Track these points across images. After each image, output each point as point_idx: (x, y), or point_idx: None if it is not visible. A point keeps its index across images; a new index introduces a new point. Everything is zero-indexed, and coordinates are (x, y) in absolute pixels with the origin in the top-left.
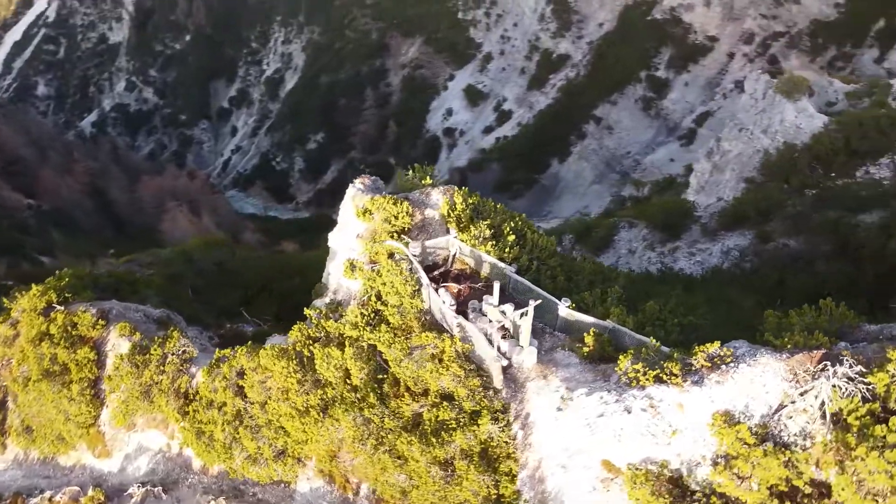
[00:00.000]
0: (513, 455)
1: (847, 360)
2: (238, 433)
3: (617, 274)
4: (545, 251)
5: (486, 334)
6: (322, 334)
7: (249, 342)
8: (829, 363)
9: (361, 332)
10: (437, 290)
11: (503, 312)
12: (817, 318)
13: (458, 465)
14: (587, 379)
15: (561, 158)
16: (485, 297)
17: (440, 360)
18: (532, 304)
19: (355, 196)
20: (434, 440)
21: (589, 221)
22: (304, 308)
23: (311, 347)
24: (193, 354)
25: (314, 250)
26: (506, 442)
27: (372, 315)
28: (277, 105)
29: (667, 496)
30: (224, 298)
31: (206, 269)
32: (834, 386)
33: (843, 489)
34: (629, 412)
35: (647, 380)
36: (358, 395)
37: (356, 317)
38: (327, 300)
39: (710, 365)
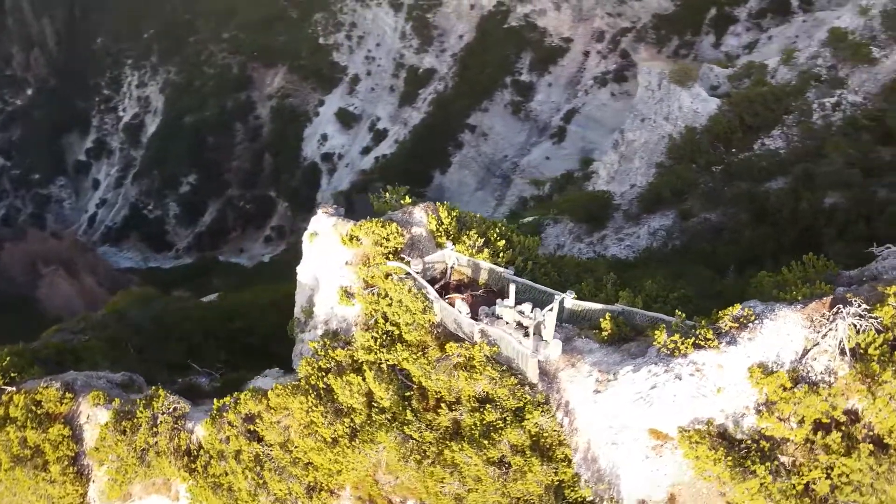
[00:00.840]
0: (564, 441)
1: (855, 301)
2: (262, 478)
3: (596, 263)
4: (532, 251)
5: (509, 335)
6: (332, 364)
7: (253, 387)
8: (840, 306)
9: (378, 354)
10: (451, 302)
11: (521, 312)
12: (806, 272)
13: (513, 460)
14: (615, 360)
15: (442, 170)
16: (497, 301)
17: (471, 367)
18: (557, 298)
19: (336, 224)
20: (485, 442)
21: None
22: (260, 349)
23: (325, 379)
24: (186, 410)
25: (242, 290)
26: (555, 430)
27: (384, 336)
28: (141, 151)
29: (721, 449)
30: (169, 353)
31: (143, 325)
32: (851, 324)
33: (879, 410)
34: (680, 378)
35: (686, 348)
36: (387, 416)
37: (368, 340)
38: (319, 332)
39: (737, 325)
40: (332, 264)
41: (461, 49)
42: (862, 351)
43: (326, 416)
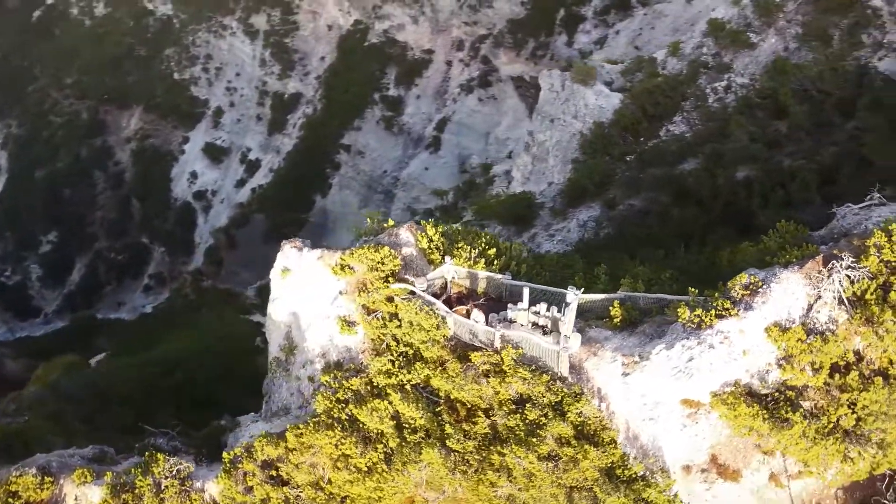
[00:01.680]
0: (606, 425)
1: (845, 255)
2: None
3: (572, 259)
4: (520, 254)
5: (532, 336)
6: (350, 395)
7: (266, 434)
8: (833, 262)
9: (399, 376)
10: (464, 313)
11: (536, 313)
12: (784, 237)
13: (563, 452)
14: (634, 343)
15: (323, 193)
16: (509, 305)
17: (500, 372)
18: (575, 295)
19: (323, 255)
20: (533, 440)
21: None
22: (207, 398)
23: (346, 410)
24: (191, 469)
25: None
26: (596, 417)
27: (400, 358)
28: None
29: (756, 405)
30: (117, 418)
31: (79, 395)
32: (845, 276)
33: (886, 347)
34: (713, 347)
35: (710, 319)
36: (421, 434)
37: (385, 364)
38: (317, 366)
39: (748, 292)
40: (321, 296)
41: (325, 70)
42: (857, 298)
43: (357, 446)
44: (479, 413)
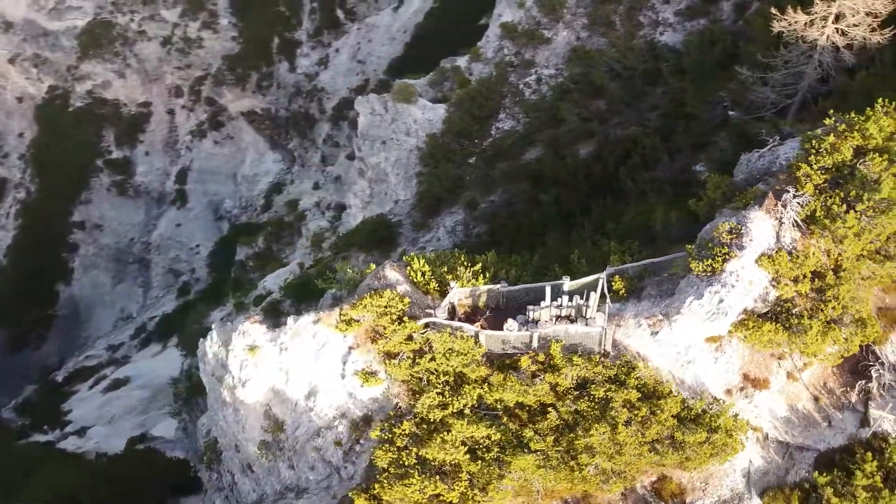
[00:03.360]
0: (659, 380)
1: (789, 189)
2: None
3: (513, 259)
4: (501, 264)
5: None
6: (407, 441)
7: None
8: (783, 196)
9: (455, 404)
10: (495, 326)
11: (560, 306)
12: (720, 186)
13: (637, 414)
14: (647, 305)
15: (66, 280)
16: (529, 307)
17: (553, 366)
18: (602, 278)
19: (320, 316)
20: (609, 414)
21: (302, 277)
22: None
23: (414, 454)
24: None
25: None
26: (650, 376)
27: (445, 387)
28: None
29: (771, 322)
30: None
31: None
32: (797, 203)
33: (849, 245)
34: (734, 286)
35: (719, 265)
36: (495, 450)
37: (433, 398)
38: (340, 428)
39: (734, 236)
40: (327, 357)
41: (28, 147)
42: (809, 217)
43: (443, 482)
44: (547, 409)
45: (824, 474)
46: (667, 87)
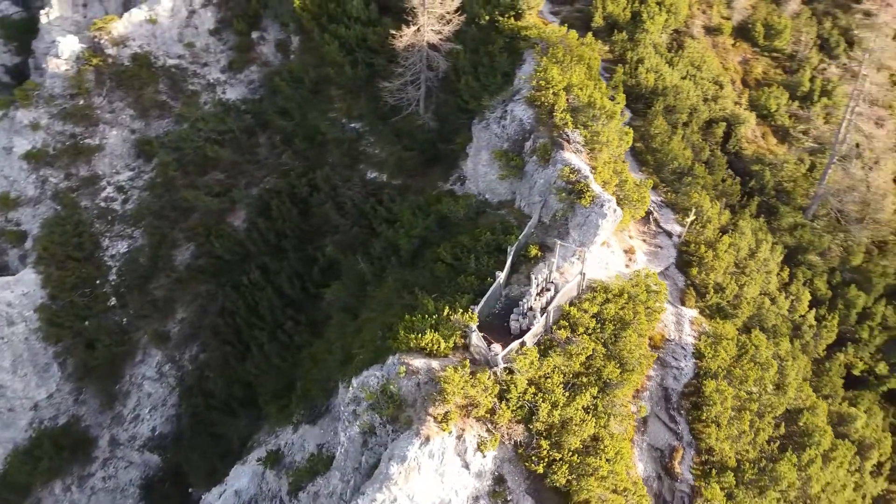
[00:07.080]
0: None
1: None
2: None
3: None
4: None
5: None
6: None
7: None
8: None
9: (578, 400)
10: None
11: (538, 285)
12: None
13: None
14: (571, 241)
15: None
16: (521, 301)
17: (576, 325)
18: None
19: (423, 431)
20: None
21: None
22: None
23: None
24: None
25: None
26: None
27: (557, 385)
28: None
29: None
30: None
31: None
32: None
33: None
34: (607, 215)
35: (587, 189)
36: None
37: (559, 397)
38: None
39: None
40: (447, 465)
41: None
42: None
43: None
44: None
45: None
46: (274, 128)
